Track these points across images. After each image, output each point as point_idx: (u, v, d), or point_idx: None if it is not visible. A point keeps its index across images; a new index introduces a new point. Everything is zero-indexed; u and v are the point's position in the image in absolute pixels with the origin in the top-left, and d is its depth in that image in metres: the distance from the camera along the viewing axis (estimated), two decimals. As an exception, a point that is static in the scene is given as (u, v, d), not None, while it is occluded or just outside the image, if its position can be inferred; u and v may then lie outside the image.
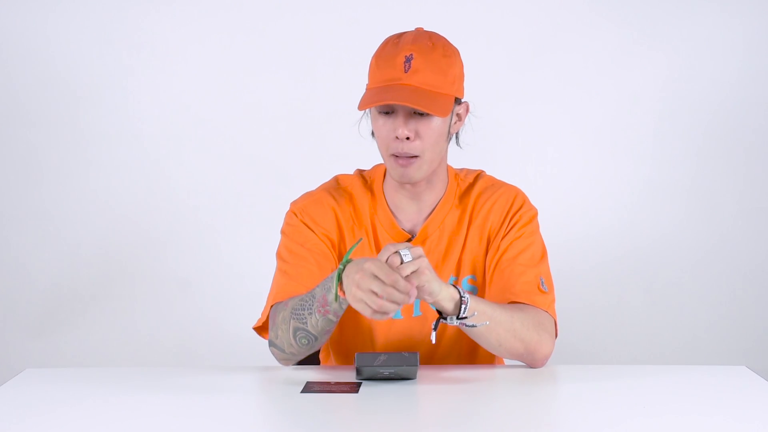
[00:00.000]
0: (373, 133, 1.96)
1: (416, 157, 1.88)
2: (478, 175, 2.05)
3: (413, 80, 1.84)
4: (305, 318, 1.82)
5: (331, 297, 1.76)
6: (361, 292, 1.66)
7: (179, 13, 3.20)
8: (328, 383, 1.77)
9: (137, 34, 3.20)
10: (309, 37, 3.18)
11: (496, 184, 2.03)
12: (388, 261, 1.68)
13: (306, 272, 1.92)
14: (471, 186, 2.03)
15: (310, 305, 1.81)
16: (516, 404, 1.72)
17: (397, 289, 1.65)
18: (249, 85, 3.21)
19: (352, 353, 2.02)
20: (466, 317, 1.76)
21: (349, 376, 1.82)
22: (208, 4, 3.20)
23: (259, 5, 3.19)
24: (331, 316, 1.79)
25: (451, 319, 1.77)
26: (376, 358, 1.78)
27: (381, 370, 1.77)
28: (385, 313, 1.67)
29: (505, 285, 1.94)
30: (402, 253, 1.68)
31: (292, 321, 1.84)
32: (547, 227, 3.23)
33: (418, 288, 1.71)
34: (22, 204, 3.24)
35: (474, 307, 1.77)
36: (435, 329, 1.76)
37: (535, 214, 2.02)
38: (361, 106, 1.86)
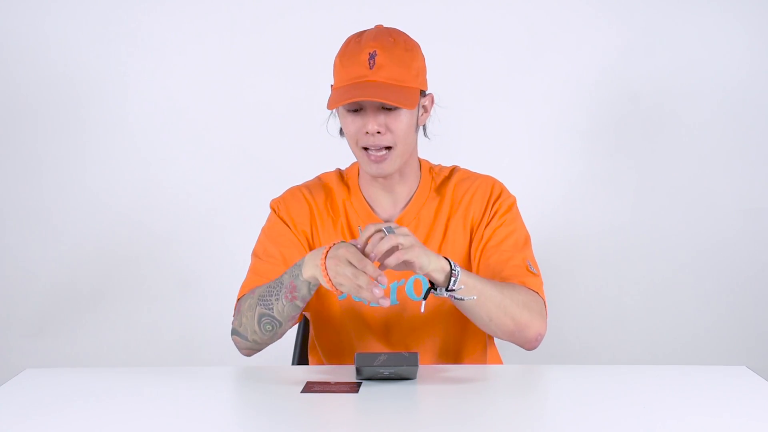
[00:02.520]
0: (341, 132, 2.03)
1: (389, 149, 1.94)
2: (454, 168, 2.12)
3: (379, 76, 1.90)
4: (272, 304, 1.88)
5: (299, 282, 1.83)
6: (340, 277, 1.74)
7: (179, 12, 3.20)
8: (328, 383, 1.77)
9: (137, 33, 3.19)
10: (309, 37, 3.18)
11: (472, 176, 2.10)
12: (371, 239, 1.75)
13: (275, 273, 1.98)
14: (447, 178, 2.09)
15: (277, 291, 1.87)
16: (516, 404, 1.72)
17: (367, 272, 1.71)
18: (250, 84, 3.20)
19: (334, 346, 2.07)
20: (454, 290, 1.79)
21: (349, 376, 1.82)
22: (207, 3, 3.19)
23: (259, 5, 3.19)
24: (298, 302, 1.86)
25: (440, 290, 1.80)
26: (376, 358, 1.79)
27: (381, 370, 1.77)
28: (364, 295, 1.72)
29: (493, 270, 1.98)
30: (385, 228, 1.75)
31: (258, 307, 1.90)
32: (548, 227, 3.24)
33: (407, 263, 1.76)
34: (22, 204, 3.24)
35: (464, 280, 1.80)
36: (424, 299, 1.81)
37: (514, 202, 2.07)
38: (331, 106, 1.93)
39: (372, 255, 1.74)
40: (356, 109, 1.93)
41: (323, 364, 2.11)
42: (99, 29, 3.19)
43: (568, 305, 3.22)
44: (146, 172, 3.23)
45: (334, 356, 2.09)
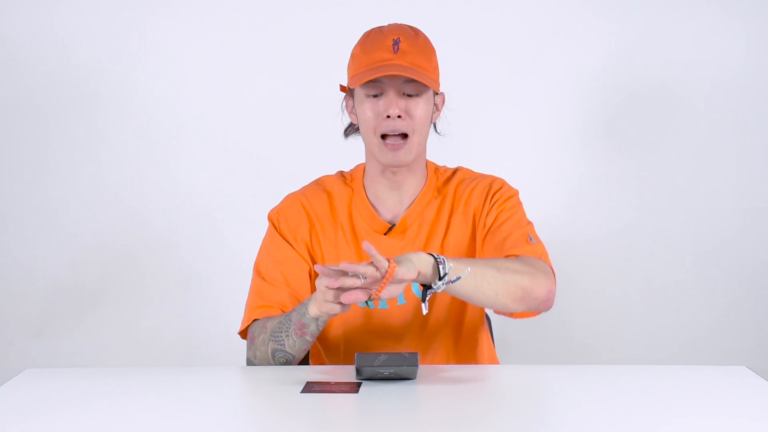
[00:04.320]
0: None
1: (406, 137, 1.95)
2: (457, 169, 2.12)
3: (403, 60, 1.92)
4: (283, 340, 1.90)
5: (307, 320, 1.85)
6: (323, 293, 1.73)
7: (181, 14, 3.20)
8: (328, 383, 1.77)
9: (139, 34, 3.20)
10: (311, 36, 3.18)
11: (474, 175, 2.11)
12: (345, 279, 1.70)
13: (278, 295, 2.00)
14: (450, 178, 2.09)
15: (287, 328, 1.89)
16: (516, 404, 1.72)
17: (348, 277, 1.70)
18: (251, 84, 3.21)
19: (342, 347, 2.07)
20: (447, 273, 1.75)
21: (349, 376, 1.82)
22: (210, 4, 3.19)
23: (261, 6, 3.19)
24: (308, 338, 1.89)
25: (435, 283, 1.76)
26: (376, 358, 1.79)
27: (381, 370, 1.77)
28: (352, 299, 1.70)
29: (495, 247, 1.97)
30: (360, 271, 1.70)
31: (270, 343, 1.92)
32: (549, 228, 3.24)
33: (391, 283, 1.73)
34: (22, 203, 3.24)
35: (453, 266, 1.76)
36: (424, 300, 1.76)
37: (516, 194, 2.07)
38: (354, 83, 1.92)
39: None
40: (376, 94, 1.93)
41: (323, 363, 2.11)
42: (101, 30, 3.19)
43: (568, 305, 3.22)
44: (147, 173, 3.23)
45: (335, 362, 2.09)
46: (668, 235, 3.23)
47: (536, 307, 1.90)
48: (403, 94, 1.93)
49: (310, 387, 1.75)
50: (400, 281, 1.71)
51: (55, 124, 3.22)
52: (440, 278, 1.75)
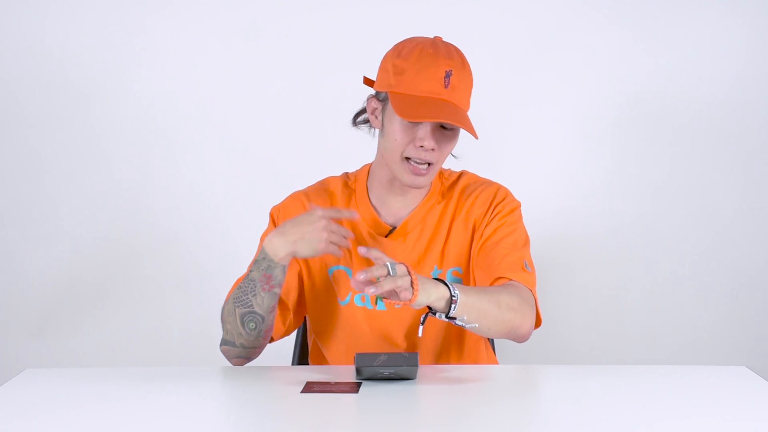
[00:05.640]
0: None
1: (429, 165, 1.94)
2: (462, 173, 2.12)
3: (452, 97, 1.91)
4: (250, 301, 1.91)
5: (274, 271, 1.88)
6: (328, 233, 1.84)
7: (182, 13, 3.19)
8: (328, 383, 1.77)
9: (139, 33, 3.19)
10: (315, 35, 3.18)
11: (479, 181, 2.10)
12: (374, 267, 1.71)
13: None
14: (454, 183, 2.09)
15: (252, 288, 1.90)
16: (515, 404, 1.72)
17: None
18: (256, 83, 3.20)
19: (342, 348, 2.07)
20: (455, 317, 1.77)
21: (349, 376, 1.82)
22: (210, 4, 3.19)
23: (263, 5, 3.19)
24: (276, 290, 1.90)
25: (440, 315, 1.77)
26: (376, 358, 1.79)
27: (381, 370, 1.77)
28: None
29: (490, 265, 1.98)
30: (389, 264, 1.71)
31: (237, 310, 1.93)
32: (548, 229, 3.24)
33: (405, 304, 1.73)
34: (22, 204, 3.24)
35: (463, 302, 1.76)
36: (423, 323, 1.77)
37: (518, 206, 2.07)
38: (410, 117, 1.88)
39: (370, 291, 1.69)
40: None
41: (323, 363, 2.11)
42: (101, 29, 3.19)
43: (568, 305, 3.22)
44: (148, 173, 3.23)
45: (336, 360, 2.09)
46: (669, 234, 3.23)
47: (514, 340, 1.94)
48: (440, 126, 1.92)
49: (310, 387, 1.75)
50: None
51: (56, 123, 3.22)
52: (447, 316, 1.76)
